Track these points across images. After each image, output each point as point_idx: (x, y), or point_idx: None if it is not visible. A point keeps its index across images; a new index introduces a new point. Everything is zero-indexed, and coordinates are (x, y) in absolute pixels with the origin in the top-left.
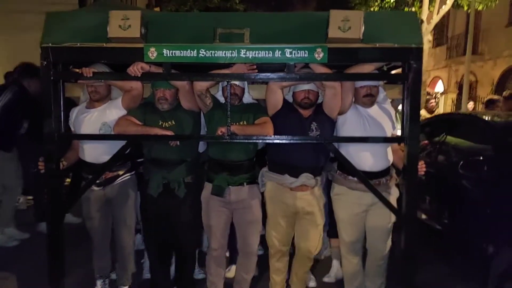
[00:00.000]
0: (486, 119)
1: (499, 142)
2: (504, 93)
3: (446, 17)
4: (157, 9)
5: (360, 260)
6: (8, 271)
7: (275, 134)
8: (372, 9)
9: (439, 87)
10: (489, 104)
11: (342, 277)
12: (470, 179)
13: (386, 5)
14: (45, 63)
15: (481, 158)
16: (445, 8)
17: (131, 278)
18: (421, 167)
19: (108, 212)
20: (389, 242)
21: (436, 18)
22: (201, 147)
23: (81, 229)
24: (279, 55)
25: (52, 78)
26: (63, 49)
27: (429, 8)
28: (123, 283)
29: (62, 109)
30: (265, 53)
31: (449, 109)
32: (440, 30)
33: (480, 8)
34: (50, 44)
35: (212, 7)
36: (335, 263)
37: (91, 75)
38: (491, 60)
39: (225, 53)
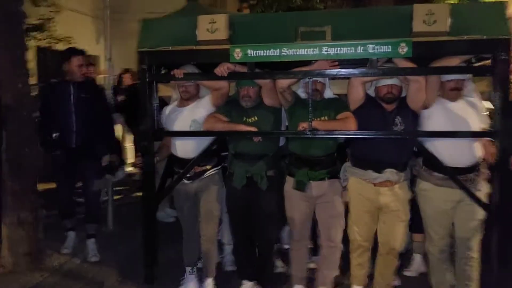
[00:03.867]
0: None
1: None
2: None
3: None
4: (247, 10)
5: (446, 256)
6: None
7: (358, 129)
8: (447, 2)
9: None
10: None
11: (424, 271)
12: None
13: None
14: (143, 66)
15: None
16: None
17: (215, 269)
18: None
19: (196, 204)
20: (478, 240)
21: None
22: (280, 141)
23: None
24: (362, 51)
25: (147, 79)
26: (157, 52)
27: None
28: (208, 274)
29: (155, 108)
30: (347, 49)
31: None
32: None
33: None
34: (146, 49)
35: (293, 7)
36: (417, 257)
37: (182, 76)
38: None
39: (306, 51)
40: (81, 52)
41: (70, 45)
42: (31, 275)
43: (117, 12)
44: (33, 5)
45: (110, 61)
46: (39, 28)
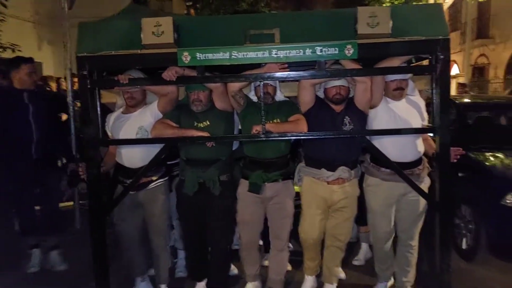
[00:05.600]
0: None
1: None
2: None
3: (459, 4)
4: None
5: (391, 247)
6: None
7: (309, 130)
8: (384, 5)
9: (455, 70)
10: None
11: (370, 257)
12: None
13: (396, 2)
14: (82, 72)
15: None
16: (449, 1)
17: (168, 276)
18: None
19: (139, 215)
20: (419, 230)
21: None
22: (234, 144)
23: None
24: (310, 53)
25: (89, 86)
26: (99, 57)
27: (436, 1)
28: (161, 281)
29: (99, 115)
30: (296, 51)
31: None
32: (454, 16)
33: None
34: (85, 54)
35: (240, 11)
36: (364, 246)
37: (127, 81)
38: (501, 43)
39: (256, 54)
40: (30, 60)
41: (16, 53)
42: (7, 276)
43: (73, 17)
44: None
45: (71, 70)
46: None
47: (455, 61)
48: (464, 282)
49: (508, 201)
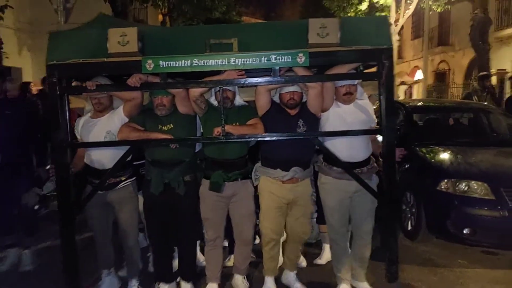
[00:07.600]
0: None
1: None
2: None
3: (421, 13)
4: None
5: (347, 242)
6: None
7: (265, 132)
8: (349, 14)
9: (419, 75)
10: None
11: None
12: None
13: (359, 12)
14: (52, 79)
15: None
16: (409, 12)
17: (139, 272)
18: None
19: (108, 214)
20: (372, 225)
21: (402, 21)
22: (197, 146)
23: None
24: (265, 61)
25: (58, 92)
26: (67, 65)
27: (396, 11)
28: (133, 276)
29: (68, 120)
30: (253, 59)
31: (421, 95)
32: (417, 24)
33: (438, 10)
34: (55, 62)
35: (213, 19)
36: (325, 246)
37: (94, 88)
38: (460, 50)
39: (216, 62)
40: None
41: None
42: None
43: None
44: None
45: None
46: None
47: (418, 67)
48: (409, 257)
49: (442, 187)
